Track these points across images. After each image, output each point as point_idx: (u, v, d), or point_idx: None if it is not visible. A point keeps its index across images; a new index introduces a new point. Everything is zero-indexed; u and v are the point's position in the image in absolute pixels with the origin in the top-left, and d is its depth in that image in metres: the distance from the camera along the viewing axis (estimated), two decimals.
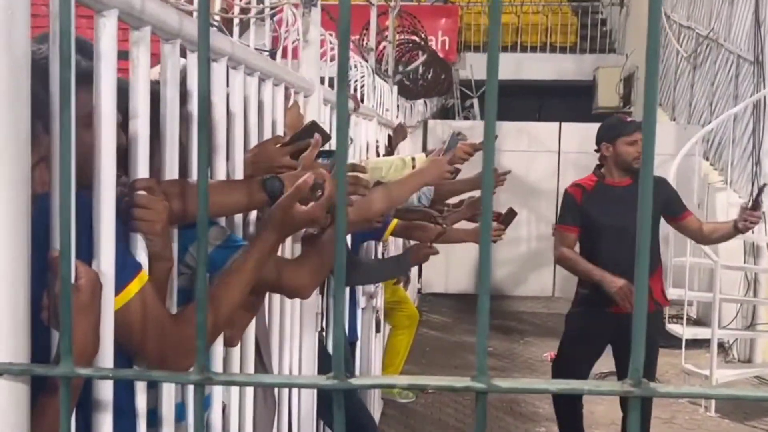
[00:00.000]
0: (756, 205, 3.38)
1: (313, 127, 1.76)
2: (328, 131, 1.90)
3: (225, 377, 0.70)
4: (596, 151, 3.44)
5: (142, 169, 1.25)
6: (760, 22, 5.99)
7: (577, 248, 3.47)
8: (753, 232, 6.04)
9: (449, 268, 8.00)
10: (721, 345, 5.76)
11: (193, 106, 1.49)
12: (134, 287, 1.12)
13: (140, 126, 1.24)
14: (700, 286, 6.20)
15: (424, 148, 6.95)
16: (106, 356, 1.11)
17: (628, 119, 3.50)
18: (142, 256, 1.23)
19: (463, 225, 3.52)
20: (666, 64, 9.40)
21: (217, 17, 1.70)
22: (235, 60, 1.67)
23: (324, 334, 2.73)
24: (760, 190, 3.57)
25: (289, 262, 1.54)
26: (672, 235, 5.44)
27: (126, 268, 1.12)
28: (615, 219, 3.27)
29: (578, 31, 12.31)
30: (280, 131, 2.02)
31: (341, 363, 0.66)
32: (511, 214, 3.29)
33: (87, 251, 1.09)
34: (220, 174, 1.61)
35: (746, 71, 6.41)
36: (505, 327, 7.04)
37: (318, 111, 2.44)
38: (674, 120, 8.73)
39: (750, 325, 6.02)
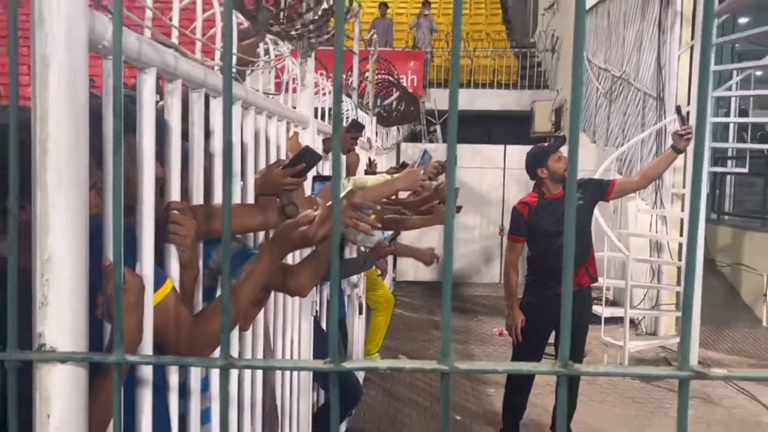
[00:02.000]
0: (683, 119, 3.36)
1: (307, 151, 1.76)
2: (320, 155, 1.92)
3: (244, 362, 0.72)
4: (532, 177, 3.41)
5: (174, 193, 1.26)
6: (662, 66, 6.09)
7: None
8: (657, 232, 6.15)
9: (418, 263, 7.99)
10: (632, 321, 5.85)
11: (215, 141, 1.50)
12: (159, 295, 1.13)
13: (173, 159, 1.25)
14: (615, 275, 6.30)
15: (402, 167, 6.98)
16: (148, 345, 1.12)
17: (545, 144, 3.45)
18: (174, 264, 1.24)
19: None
20: (588, 98, 9.47)
21: (233, 70, 1.70)
22: (247, 102, 1.68)
23: (318, 316, 2.74)
24: (678, 111, 3.51)
25: (291, 267, 1.55)
26: (593, 234, 5.53)
27: (155, 279, 1.13)
28: (557, 225, 3.30)
29: (519, 71, 12.39)
30: (283, 156, 2.03)
31: (336, 350, 0.68)
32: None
33: (130, 261, 1.10)
34: (235, 193, 1.62)
35: (650, 105, 6.51)
36: (463, 308, 7.08)
37: (312, 139, 2.46)
38: (594, 143, 8.80)
39: (655, 305, 6.12)
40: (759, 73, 7.50)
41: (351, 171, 3.51)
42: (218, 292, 1.44)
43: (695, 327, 5.41)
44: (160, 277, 1.16)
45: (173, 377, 1.26)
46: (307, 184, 2.12)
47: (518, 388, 3.50)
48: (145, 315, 1.08)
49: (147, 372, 1.13)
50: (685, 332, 0.71)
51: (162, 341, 1.17)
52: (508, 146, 8.25)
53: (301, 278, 1.53)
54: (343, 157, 3.65)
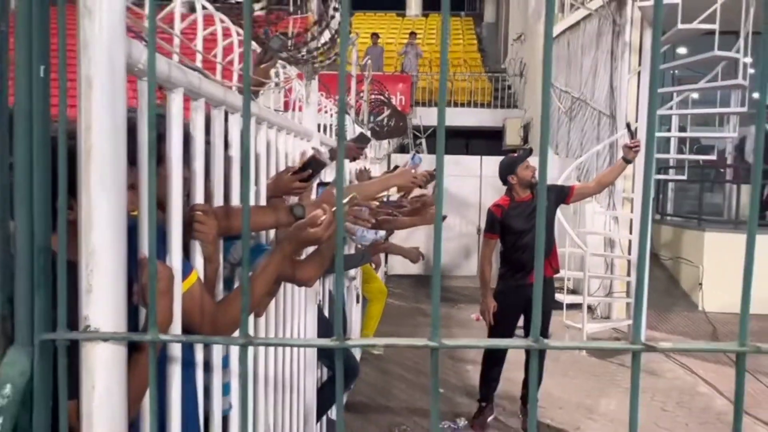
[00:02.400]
0: (632, 134, 3.38)
1: (314, 159, 1.75)
2: (325, 162, 1.91)
3: (261, 340, 0.72)
4: (504, 183, 3.45)
5: (198, 195, 1.25)
6: (614, 89, 6.13)
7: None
8: (610, 230, 6.18)
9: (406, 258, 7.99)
10: (589, 307, 5.86)
11: (233, 151, 1.49)
12: (186, 284, 1.13)
13: (198, 166, 1.25)
14: (574, 267, 6.33)
15: (389, 169, 6.97)
16: (177, 326, 1.11)
17: (515, 154, 3.49)
18: (198, 258, 1.23)
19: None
20: (552, 116, 9.51)
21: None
22: (260, 118, 1.68)
23: (321, 304, 2.72)
24: (628, 127, 3.53)
25: (298, 262, 1.55)
26: (555, 232, 5.55)
27: (183, 270, 1.12)
28: (525, 224, 3.35)
29: (492, 93, 12.42)
30: (291, 164, 2.02)
31: (341, 329, 0.68)
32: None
33: (162, 254, 1.09)
34: (251, 196, 1.62)
35: (604, 122, 6.53)
36: (445, 297, 7.05)
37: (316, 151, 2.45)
38: (557, 154, 8.83)
39: (608, 293, 6.14)
40: (695, 95, 7.55)
41: (361, 179, 3.48)
42: (236, 284, 1.43)
43: (643, 311, 5.45)
44: (187, 268, 1.16)
45: (199, 354, 1.25)
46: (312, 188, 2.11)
47: (493, 363, 3.53)
48: (175, 301, 1.08)
49: (176, 350, 1.13)
50: (637, 313, 0.72)
51: (189, 324, 1.16)
52: (483, 157, 8.26)
53: (308, 271, 1.52)
54: (351, 164, 3.62)
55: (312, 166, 1.72)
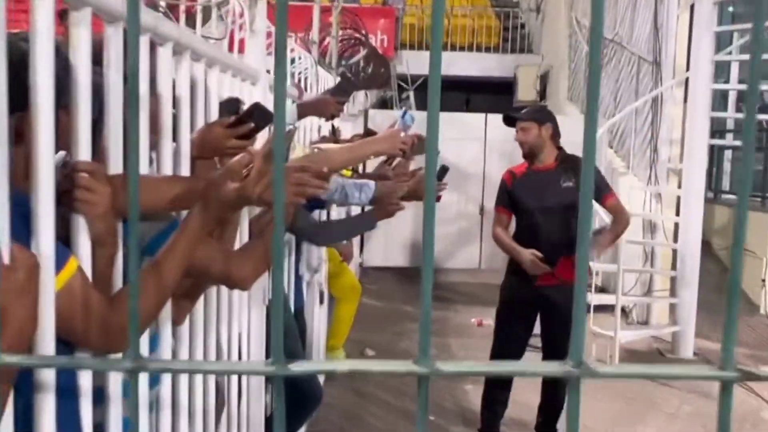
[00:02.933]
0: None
1: (257, 108, 1.66)
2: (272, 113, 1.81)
3: (159, 364, 0.60)
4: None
5: (84, 151, 1.12)
6: (659, 28, 6.05)
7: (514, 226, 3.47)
8: (651, 211, 6.15)
9: (388, 244, 7.95)
10: (623, 310, 5.84)
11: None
12: (62, 277, 1.00)
13: (81, 107, 1.10)
14: (604, 258, 6.29)
15: (366, 134, 6.88)
16: (49, 337, 0.98)
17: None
18: (83, 241, 1.10)
19: None
20: (576, 63, 9.46)
21: (163, 3, 1.55)
22: (181, 45, 1.53)
23: (285, 296, 2.60)
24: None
25: (232, 253, 1.42)
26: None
27: (57, 258, 0.99)
28: (538, 200, 3.28)
29: (501, 33, 12.30)
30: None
31: (280, 349, 0.56)
32: (443, 170, 3.04)
33: (25, 235, 0.96)
34: (166, 155, 1.48)
35: (646, 71, 6.48)
36: (439, 296, 7.00)
37: (264, 99, 2.31)
38: (583, 113, 8.78)
39: (647, 291, 6.14)
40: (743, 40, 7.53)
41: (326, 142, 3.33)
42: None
43: (692, 315, 5.47)
44: (63, 255, 1.03)
45: (85, 379, 1.13)
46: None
47: (499, 383, 3.47)
48: (44, 301, 0.95)
49: (47, 372, 1.00)
50: (729, 327, 0.61)
51: (69, 332, 1.04)
52: (489, 115, 8.15)
53: (244, 266, 1.40)
54: (326, 124, 3.48)
55: (255, 117, 1.63)
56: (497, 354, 3.43)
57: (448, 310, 6.58)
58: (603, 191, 3.36)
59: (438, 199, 3.05)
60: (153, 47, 1.43)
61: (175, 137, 1.54)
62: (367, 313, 6.11)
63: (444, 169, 3.07)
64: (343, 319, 4.47)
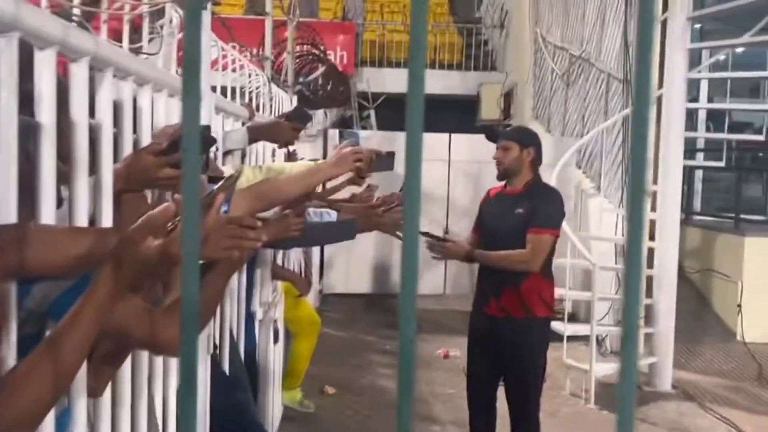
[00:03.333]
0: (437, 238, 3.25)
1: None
2: (213, 138, 1.62)
3: None
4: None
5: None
6: (629, 44, 6.02)
7: None
8: (623, 234, 6.08)
9: (349, 269, 7.76)
10: (597, 340, 5.71)
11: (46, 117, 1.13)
12: None
13: None
14: (577, 285, 6.20)
15: (325, 156, 6.69)
16: None
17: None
18: None
19: None
20: (542, 81, 9.45)
21: (77, 10, 1.34)
22: (100, 60, 1.32)
23: (218, 353, 2.38)
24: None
25: (156, 314, 1.19)
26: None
27: None
28: (493, 224, 3.26)
29: (463, 50, 12.26)
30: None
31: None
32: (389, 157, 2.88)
33: None
34: (81, 191, 1.26)
35: (616, 89, 6.45)
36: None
37: (209, 120, 2.10)
38: (549, 132, 8.76)
39: (620, 320, 6.03)
40: (722, 57, 7.60)
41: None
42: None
43: (669, 345, 5.36)
44: None
45: None
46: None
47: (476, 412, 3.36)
48: None
49: None
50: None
51: None
52: (453, 135, 8.06)
53: (170, 329, 1.18)
54: (281, 152, 3.30)
55: None
56: (469, 390, 3.38)
57: None
58: (539, 221, 3.14)
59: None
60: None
61: (92, 168, 1.32)
62: (327, 345, 5.88)
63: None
64: (301, 355, 4.25)
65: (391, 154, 2.27)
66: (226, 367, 2.41)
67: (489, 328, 3.20)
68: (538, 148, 3.27)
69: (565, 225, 5.01)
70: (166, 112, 1.76)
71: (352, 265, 7.69)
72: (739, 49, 7.07)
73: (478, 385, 3.29)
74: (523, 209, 3.15)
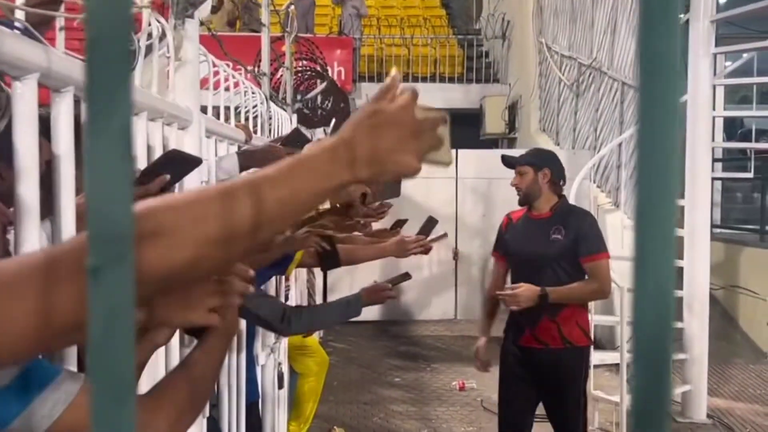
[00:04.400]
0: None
1: (173, 155, 1.42)
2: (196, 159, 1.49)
3: None
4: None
5: None
6: None
7: None
8: None
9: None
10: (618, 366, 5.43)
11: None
12: None
13: None
14: (603, 309, 5.92)
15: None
16: None
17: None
18: None
19: None
20: (548, 92, 9.27)
21: (21, 14, 1.07)
22: (55, 78, 1.04)
23: (215, 414, 2.09)
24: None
25: (142, 398, 0.93)
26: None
27: None
28: (524, 251, 3.21)
29: (464, 62, 12.11)
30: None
31: None
32: (431, 222, 3.02)
33: None
34: (31, 240, 0.98)
35: (632, 97, 6.22)
36: (411, 354, 6.56)
37: (199, 146, 1.83)
38: (558, 145, 8.56)
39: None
40: (727, 63, 7.39)
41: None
42: None
43: (703, 372, 5.07)
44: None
45: None
46: None
47: None
48: None
49: None
50: None
51: None
52: (460, 151, 7.81)
53: (155, 419, 0.91)
54: None
55: (169, 167, 1.32)
56: (502, 421, 3.33)
57: (424, 370, 6.12)
58: (591, 247, 3.09)
59: (426, 251, 3.00)
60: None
61: (48, 208, 1.04)
62: (333, 378, 5.57)
63: (431, 222, 3.04)
64: (307, 398, 3.96)
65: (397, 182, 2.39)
66: (224, 427, 2.13)
67: (526, 359, 3.18)
68: (554, 166, 3.24)
69: None
70: (146, 136, 1.49)
71: (356, 289, 7.42)
72: (746, 55, 6.89)
73: (513, 416, 3.25)
74: (562, 236, 3.10)
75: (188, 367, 0.97)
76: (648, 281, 0.33)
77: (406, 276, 2.83)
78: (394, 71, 0.86)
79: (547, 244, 3.10)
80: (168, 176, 1.31)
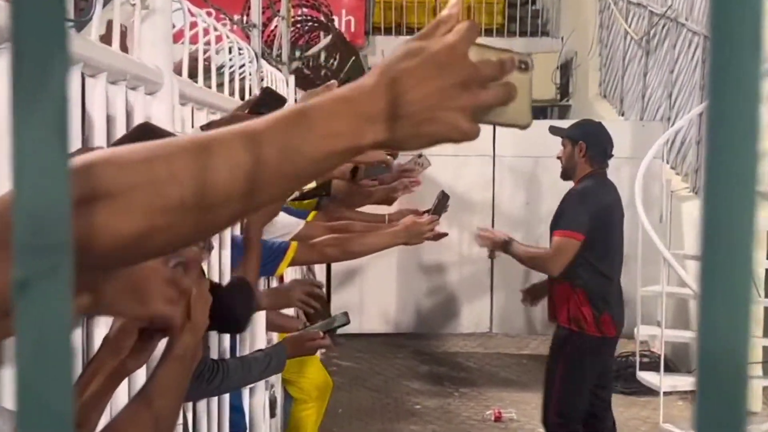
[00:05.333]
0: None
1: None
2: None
3: None
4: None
5: None
6: None
7: None
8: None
9: (363, 304, 7.58)
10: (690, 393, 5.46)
11: None
12: None
13: None
14: (674, 322, 5.97)
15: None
16: None
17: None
18: None
19: None
20: (611, 49, 9.30)
21: None
22: None
23: None
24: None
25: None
26: (640, 262, 5.18)
27: None
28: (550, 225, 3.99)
29: (505, 10, 12.18)
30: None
31: None
32: (443, 200, 3.25)
33: None
34: None
35: None
36: (436, 375, 6.61)
37: (171, 115, 1.84)
38: (622, 115, 8.58)
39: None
40: None
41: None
42: None
43: None
44: None
45: None
46: None
47: None
48: None
49: None
50: None
51: None
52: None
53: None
54: None
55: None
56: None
57: (452, 396, 6.21)
58: (559, 223, 3.83)
59: (437, 237, 3.26)
60: None
61: None
62: (338, 406, 5.70)
63: (444, 198, 3.33)
64: (305, 428, 4.00)
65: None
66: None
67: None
68: (591, 139, 3.82)
69: (656, 238, 4.81)
70: (105, 104, 1.50)
71: (367, 298, 7.60)
72: None
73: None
74: (558, 209, 3.89)
75: (148, 399, 0.98)
76: (719, 284, 0.34)
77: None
78: (453, 1, 0.78)
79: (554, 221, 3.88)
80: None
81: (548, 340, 7.72)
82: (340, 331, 2.62)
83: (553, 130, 4.09)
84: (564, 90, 10.82)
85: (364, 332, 7.62)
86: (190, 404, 2.18)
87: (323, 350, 2.61)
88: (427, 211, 3.31)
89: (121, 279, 0.87)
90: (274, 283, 3.22)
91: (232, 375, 2.28)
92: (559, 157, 3.92)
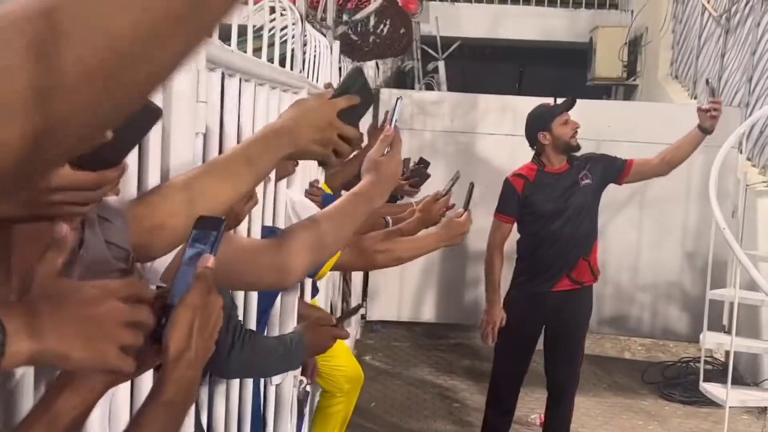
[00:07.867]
0: (713, 91, 4.28)
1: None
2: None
3: None
4: (531, 144, 4.31)
5: None
6: None
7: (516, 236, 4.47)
8: None
9: (403, 291, 7.62)
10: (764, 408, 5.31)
11: None
12: None
13: None
14: (746, 330, 5.81)
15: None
16: None
17: (551, 104, 4.46)
18: None
19: None
20: (686, 25, 9.20)
21: None
22: None
23: None
24: (708, 83, 4.38)
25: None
26: (710, 262, 5.01)
27: None
28: (556, 204, 4.19)
29: None
30: None
31: None
32: (472, 190, 3.29)
33: None
34: None
35: None
36: (478, 370, 6.55)
37: (195, 82, 1.71)
38: (695, 99, 8.43)
39: None
40: None
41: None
42: None
43: None
44: None
45: None
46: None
47: (498, 410, 4.59)
48: None
49: None
50: None
51: None
52: (557, 100, 7.75)
53: None
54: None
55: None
56: (507, 368, 4.56)
57: None
58: (619, 163, 4.27)
59: (413, 194, 4.28)
60: None
61: None
62: (371, 400, 5.75)
63: (471, 190, 3.29)
64: (334, 423, 3.98)
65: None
66: None
67: (549, 309, 4.25)
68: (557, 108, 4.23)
69: (729, 236, 4.62)
70: None
71: (406, 283, 7.62)
72: None
73: (519, 364, 4.51)
74: (590, 179, 4.29)
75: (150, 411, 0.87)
76: None
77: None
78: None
79: (581, 193, 4.20)
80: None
81: (603, 338, 7.68)
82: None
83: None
84: (631, 68, 10.80)
85: (403, 320, 7.63)
86: (204, 404, 2.07)
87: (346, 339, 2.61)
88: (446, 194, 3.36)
89: (66, 313, 0.76)
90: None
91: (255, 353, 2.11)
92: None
